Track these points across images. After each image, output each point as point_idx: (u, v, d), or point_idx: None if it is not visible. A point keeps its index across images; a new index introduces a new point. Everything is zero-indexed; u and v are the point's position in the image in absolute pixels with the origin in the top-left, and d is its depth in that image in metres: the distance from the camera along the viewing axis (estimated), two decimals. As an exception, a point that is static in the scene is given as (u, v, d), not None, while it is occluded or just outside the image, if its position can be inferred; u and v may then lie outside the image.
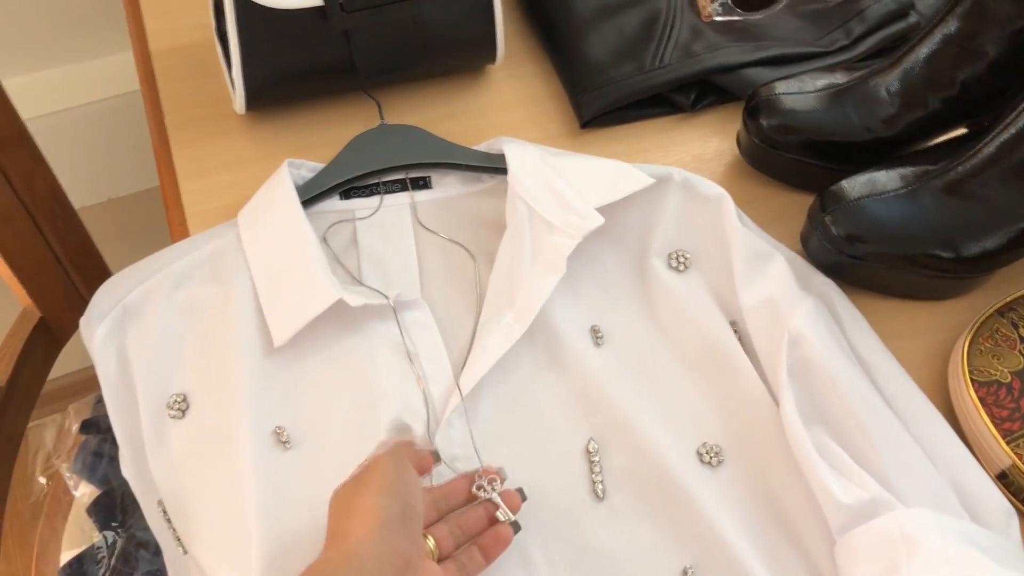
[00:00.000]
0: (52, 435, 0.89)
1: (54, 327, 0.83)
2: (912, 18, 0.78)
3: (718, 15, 0.77)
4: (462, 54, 0.72)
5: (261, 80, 0.67)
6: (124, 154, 1.06)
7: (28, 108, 0.81)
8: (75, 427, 0.85)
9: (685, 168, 0.70)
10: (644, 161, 0.71)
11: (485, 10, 0.69)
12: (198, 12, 0.77)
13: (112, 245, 0.93)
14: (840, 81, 0.68)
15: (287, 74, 0.67)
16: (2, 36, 0.98)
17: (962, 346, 0.59)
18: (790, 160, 0.68)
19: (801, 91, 0.67)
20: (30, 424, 0.83)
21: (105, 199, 1.10)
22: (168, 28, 0.77)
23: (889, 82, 0.65)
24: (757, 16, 0.78)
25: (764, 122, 0.67)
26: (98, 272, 0.87)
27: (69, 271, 0.82)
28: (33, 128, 0.80)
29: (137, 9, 0.80)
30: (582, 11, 0.76)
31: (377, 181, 0.66)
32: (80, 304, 0.86)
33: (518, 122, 0.74)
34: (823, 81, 0.68)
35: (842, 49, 0.77)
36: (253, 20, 0.64)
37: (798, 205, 0.67)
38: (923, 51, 0.64)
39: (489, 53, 0.72)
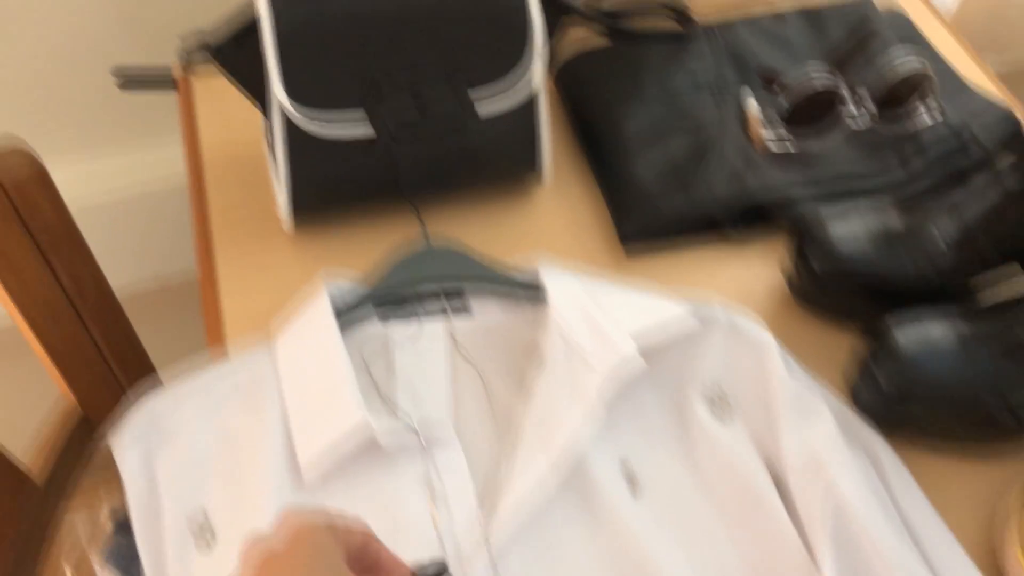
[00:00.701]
0: (84, 525, 0.89)
1: (93, 419, 0.84)
2: (966, 144, 0.77)
3: (772, 144, 0.76)
4: (507, 175, 0.72)
5: (308, 200, 0.68)
6: (168, 241, 1.08)
7: (75, 196, 0.83)
8: (107, 518, 0.86)
9: (731, 299, 0.69)
10: (689, 289, 0.70)
11: (531, 137, 0.69)
12: (252, 125, 0.78)
13: (152, 333, 0.94)
14: (895, 224, 0.66)
15: (334, 194, 0.68)
16: (49, 126, 1.00)
17: (1013, 507, 0.56)
18: (840, 301, 0.66)
19: (854, 232, 0.66)
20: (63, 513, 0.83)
21: (147, 287, 1.12)
22: (221, 138, 0.79)
23: (946, 231, 0.63)
24: (808, 144, 0.77)
25: (815, 263, 0.65)
26: (139, 363, 0.87)
27: (112, 364, 0.83)
28: (80, 215, 0.81)
29: (192, 117, 0.81)
30: (631, 133, 0.75)
31: (417, 303, 0.66)
32: (119, 392, 0.86)
33: (562, 243, 0.73)
34: (876, 221, 0.67)
35: (897, 178, 0.75)
36: (302, 146, 0.64)
37: (846, 340, 0.66)
38: (982, 204, 0.62)
39: (534, 170, 0.71)
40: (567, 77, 0.78)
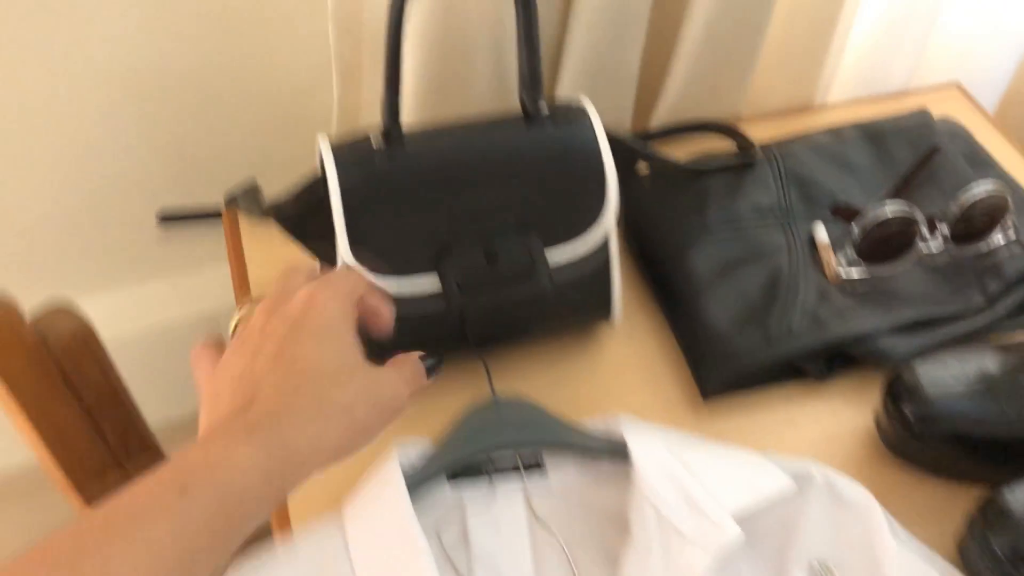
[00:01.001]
0: None
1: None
2: (1051, 272, 0.74)
3: (844, 273, 0.73)
4: (578, 319, 0.69)
5: (370, 357, 0.64)
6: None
7: (115, 330, 0.80)
8: None
9: (818, 448, 0.66)
10: (772, 437, 0.66)
11: (603, 282, 0.66)
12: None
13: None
14: (992, 368, 0.62)
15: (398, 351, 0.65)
16: (89, 260, 0.98)
17: None
18: (937, 452, 0.63)
19: (950, 379, 0.62)
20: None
21: (186, 421, 1.08)
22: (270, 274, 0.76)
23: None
24: (883, 272, 0.74)
25: (908, 411, 0.62)
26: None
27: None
28: (122, 348, 0.78)
29: (239, 250, 0.79)
30: (700, 270, 0.73)
31: (489, 464, 0.62)
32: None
33: (633, 387, 0.70)
34: (972, 366, 0.63)
35: (981, 310, 0.72)
36: None
37: (947, 498, 0.63)
38: None
39: (605, 316, 0.69)
40: (632, 213, 0.75)
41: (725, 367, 0.67)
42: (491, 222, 0.61)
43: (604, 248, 0.65)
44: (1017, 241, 0.75)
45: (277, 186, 0.71)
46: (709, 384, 0.67)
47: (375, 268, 0.60)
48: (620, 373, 0.71)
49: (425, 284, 0.61)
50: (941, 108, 0.92)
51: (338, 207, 0.59)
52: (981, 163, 0.85)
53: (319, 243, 0.64)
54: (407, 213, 0.60)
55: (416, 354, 0.49)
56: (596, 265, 0.65)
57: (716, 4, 0.77)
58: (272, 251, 0.77)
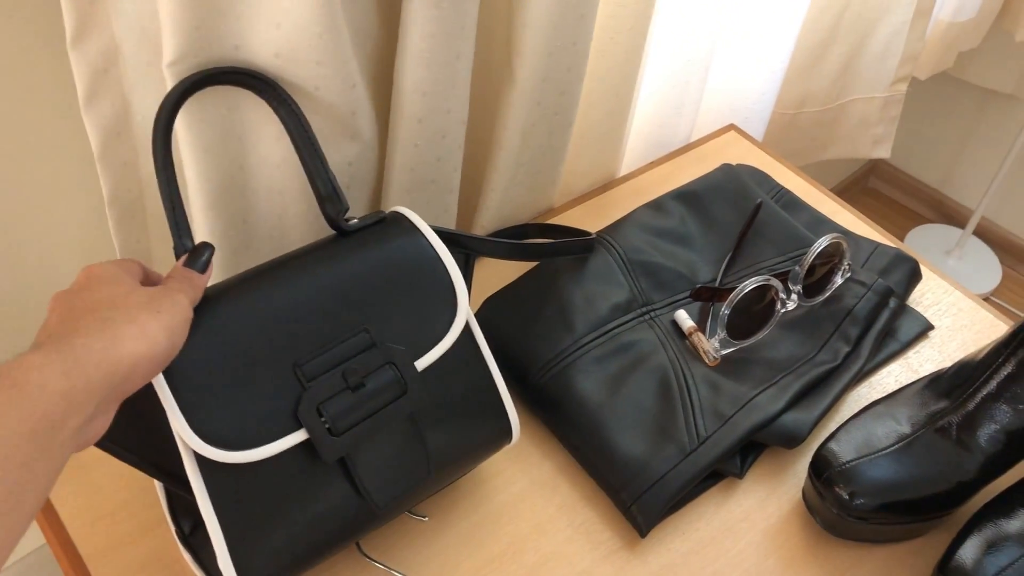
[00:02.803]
0: None
1: None
2: (893, 303, 0.77)
3: (718, 353, 0.72)
4: (473, 442, 0.60)
5: (257, 566, 0.52)
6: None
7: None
8: None
9: (761, 549, 0.64)
10: (717, 553, 0.64)
11: (481, 372, 0.60)
12: (140, 526, 0.62)
13: None
14: (905, 429, 0.63)
15: (287, 546, 0.53)
16: None
17: None
18: (875, 524, 0.62)
19: (872, 451, 0.63)
20: None
21: None
22: (108, 549, 0.62)
23: (961, 431, 0.62)
24: (753, 342, 0.74)
25: (843, 493, 0.61)
26: None
27: None
28: None
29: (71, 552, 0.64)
30: (591, 394, 0.68)
31: None
32: None
33: (566, 544, 0.64)
34: (884, 430, 0.64)
35: (850, 356, 0.73)
36: (228, 489, 0.50)
37: (894, 565, 0.63)
38: (1002, 406, 0.61)
39: (504, 429, 0.61)
40: (496, 341, 0.68)
41: (657, 498, 0.63)
42: (341, 349, 0.53)
43: (469, 338, 0.59)
44: (853, 279, 0.78)
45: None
46: (645, 520, 0.63)
47: (230, 444, 0.49)
48: (547, 532, 0.64)
49: (294, 438, 0.52)
50: (725, 149, 0.95)
51: (165, 392, 0.48)
52: (790, 204, 0.88)
53: (147, 449, 0.52)
54: (245, 371, 0.51)
55: (182, 260, 0.52)
56: (468, 362, 0.59)
57: (529, 110, 0.73)
58: (85, 493, 0.64)
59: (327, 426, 0.52)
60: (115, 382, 0.42)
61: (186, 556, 0.56)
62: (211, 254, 0.53)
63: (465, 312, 0.58)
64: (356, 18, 0.61)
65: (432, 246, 0.59)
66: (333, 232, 0.59)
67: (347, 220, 0.59)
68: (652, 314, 0.76)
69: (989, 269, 2.08)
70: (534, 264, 0.79)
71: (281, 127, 0.60)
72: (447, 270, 0.59)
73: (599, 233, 0.82)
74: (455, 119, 0.69)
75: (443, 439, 0.58)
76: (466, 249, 0.67)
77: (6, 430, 0.36)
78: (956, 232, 2.11)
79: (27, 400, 0.38)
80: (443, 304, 0.58)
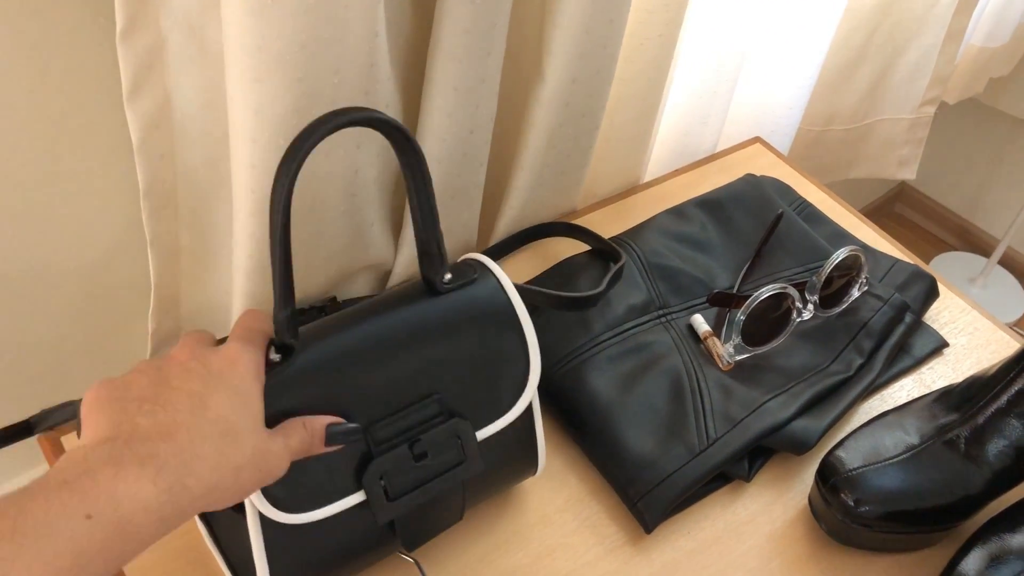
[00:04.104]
0: None
1: None
2: (909, 318, 0.78)
3: (732, 358, 0.73)
4: (504, 482, 0.63)
5: None
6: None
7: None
8: None
9: (764, 552, 0.65)
10: (720, 554, 0.64)
11: (529, 437, 0.61)
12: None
13: None
14: (914, 440, 0.64)
15: (321, 570, 0.55)
16: None
17: None
18: (880, 532, 0.63)
19: (879, 460, 0.63)
20: None
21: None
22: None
23: (970, 444, 0.62)
24: (767, 349, 0.74)
25: (849, 499, 0.62)
26: None
27: None
28: None
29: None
30: (603, 391, 0.69)
31: None
32: None
33: (571, 535, 0.65)
34: (892, 440, 0.64)
35: (863, 367, 0.74)
36: (283, 545, 0.52)
37: (895, 572, 0.64)
38: (1011, 421, 0.61)
39: (530, 470, 0.63)
40: None
41: (663, 496, 0.64)
42: (413, 416, 0.54)
43: (528, 410, 0.60)
44: (870, 292, 0.78)
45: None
46: (650, 517, 0.64)
47: (293, 507, 0.51)
48: (554, 523, 0.65)
49: (351, 500, 0.53)
50: (749, 161, 0.96)
51: None
52: (811, 217, 0.89)
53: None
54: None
55: (314, 421, 0.49)
56: (522, 429, 0.60)
57: (557, 110, 0.75)
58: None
59: (384, 488, 0.53)
60: (191, 516, 0.43)
61: (213, 551, 0.58)
62: (356, 436, 0.51)
63: (532, 392, 0.59)
64: (389, 9, 0.62)
65: (518, 316, 0.58)
66: (422, 282, 0.58)
67: (445, 282, 0.57)
68: (668, 317, 0.77)
69: (1013, 299, 2.06)
70: (556, 263, 0.81)
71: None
72: (527, 345, 0.58)
73: (620, 236, 0.83)
74: (484, 115, 0.70)
75: (480, 492, 0.60)
76: (537, 304, 0.69)
77: (89, 559, 0.37)
78: (981, 260, 2.10)
79: (123, 534, 0.38)
80: (514, 379, 0.58)
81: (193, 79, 0.61)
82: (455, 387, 0.55)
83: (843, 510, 0.62)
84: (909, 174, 1.25)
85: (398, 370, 0.54)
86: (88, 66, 0.62)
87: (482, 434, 0.56)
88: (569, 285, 0.77)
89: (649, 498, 0.64)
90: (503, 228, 0.84)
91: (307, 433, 0.49)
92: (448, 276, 0.57)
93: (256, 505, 0.50)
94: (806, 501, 0.67)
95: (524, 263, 0.82)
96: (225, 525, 0.55)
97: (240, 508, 0.51)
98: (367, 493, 0.52)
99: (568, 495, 0.67)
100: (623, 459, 0.66)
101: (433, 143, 0.70)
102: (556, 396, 0.70)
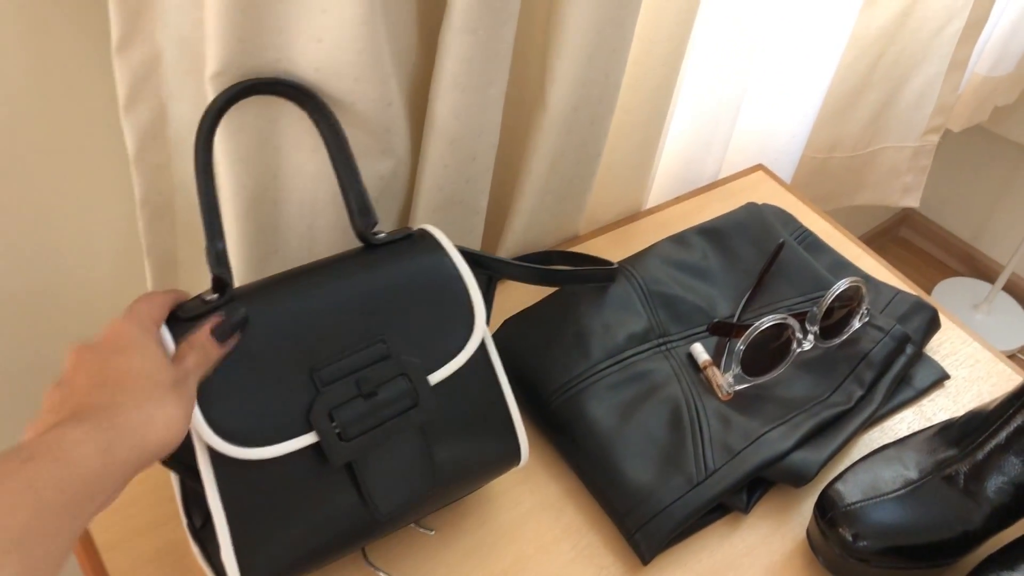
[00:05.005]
0: None
1: None
2: (910, 349, 0.77)
3: (732, 388, 0.73)
4: (479, 449, 0.61)
5: (260, 564, 0.54)
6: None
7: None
8: None
9: (762, 584, 0.64)
10: (717, 586, 0.64)
11: (494, 393, 0.61)
12: (153, 520, 0.64)
13: None
14: (913, 474, 0.64)
15: (290, 547, 0.54)
16: None
17: None
18: (877, 568, 0.62)
19: (877, 494, 0.63)
20: None
21: None
22: (121, 540, 0.64)
23: (969, 480, 0.62)
24: (767, 379, 0.74)
25: (847, 534, 0.61)
26: None
27: None
28: None
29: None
30: (602, 419, 0.69)
31: None
32: None
33: (569, 565, 0.64)
34: (892, 474, 0.64)
35: (863, 399, 0.74)
36: (237, 485, 0.52)
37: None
38: (1011, 458, 0.61)
39: (513, 451, 0.62)
40: (511, 361, 0.68)
41: (660, 527, 0.64)
42: (359, 359, 0.55)
43: (484, 356, 0.60)
44: (871, 323, 0.78)
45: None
46: (648, 548, 0.64)
47: (242, 440, 0.51)
48: (550, 552, 0.65)
49: (303, 440, 0.53)
50: (752, 189, 0.96)
51: None
52: (813, 246, 0.89)
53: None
54: (262, 371, 0.52)
55: (194, 335, 0.51)
56: (482, 380, 0.60)
57: (559, 138, 0.75)
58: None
59: (337, 431, 0.54)
60: (141, 464, 0.44)
61: (195, 549, 0.58)
62: (243, 323, 0.53)
63: (481, 331, 0.60)
64: (397, 38, 0.63)
65: (455, 265, 0.60)
66: (361, 244, 0.61)
67: (375, 234, 0.61)
68: (668, 345, 0.77)
69: (1017, 325, 2.06)
70: (555, 289, 0.81)
71: (318, 139, 0.62)
72: (467, 289, 0.60)
73: (621, 263, 0.83)
74: (486, 142, 0.71)
75: (451, 453, 0.59)
76: (489, 271, 0.68)
77: (43, 502, 0.38)
78: (985, 287, 2.09)
79: (67, 475, 0.39)
80: (461, 322, 0.59)
81: (189, 91, 0.62)
82: (399, 332, 0.57)
83: (841, 544, 0.62)
84: (913, 202, 1.25)
85: (339, 316, 0.56)
86: (86, 79, 0.63)
87: (434, 378, 0.57)
88: (566, 311, 0.77)
89: (647, 529, 0.64)
90: (505, 253, 0.84)
91: (195, 347, 0.51)
92: (381, 233, 0.60)
93: (205, 439, 0.50)
94: (804, 534, 0.67)
95: (521, 289, 0.82)
96: (194, 494, 0.56)
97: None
98: (316, 430, 0.53)
99: (566, 524, 0.67)
100: (621, 489, 0.66)
101: (435, 169, 0.70)
102: (554, 424, 0.70)
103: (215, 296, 0.54)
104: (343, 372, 0.55)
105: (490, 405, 0.61)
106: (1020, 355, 2.03)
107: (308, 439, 0.53)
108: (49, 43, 0.60)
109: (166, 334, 0.51)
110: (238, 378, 0.52)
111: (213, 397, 0.51)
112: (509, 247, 0.83)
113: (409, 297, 0.58)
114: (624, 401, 0.71)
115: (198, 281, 0.73)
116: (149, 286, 0.72)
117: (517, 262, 0.72)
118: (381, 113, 0.63)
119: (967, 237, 2.16)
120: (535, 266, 0.73)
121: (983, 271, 2.14)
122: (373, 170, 0.68)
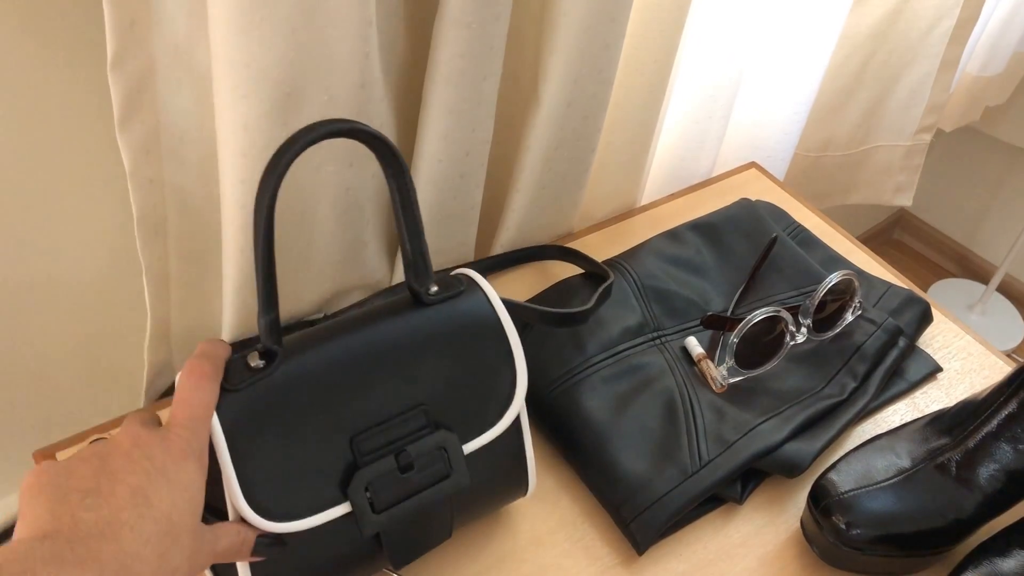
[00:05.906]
0: None
1: None
2: (902, 342, 0.78)
3: (725, 381, 0.73)
4: (494, 502, 0.63)
5: None
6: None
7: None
8: None
9: (755, 572, 0.64)
10: (713, 573, 0.64)
11: (518, 454, 0.61)
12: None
13: None
14: (905, 463, 0.64)
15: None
16: None
17: None
18: (872, 556, 0.63)
19: (871, 483, 0.63)
20: None
21: None
22: None
23: (961, 468, 0.62)
24: (761, 372, 0.75)
25: (840, 522, 0.62)
26: None
27: None
28: None
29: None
30: (597, 412, 0.69)
31: None
32: None
33: (564, 557, 0.65)
34: (884, 463, 0.64)
35: (856, 391, 0.74)
36: (268, 559, 0.52)
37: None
38: (1002, 445, 0.61)
39: (520, 489, 0.63)
40: None
41: (655, 517, 0.64)
42: (399, 428, 0.54)
43: (516, 425, 0.60)
44: (864, 316, 0.79)
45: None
46: (642, 539, 0.64)
47: (279, 516, 0.51)
48: (546, 544, 0.65)
49: (336, 511, 0.53)
50: (745, 186, 0.97)
51: (224, 453, 0.50)
52: (805, 241, 0.89)
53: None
54: (304, 439, 0.52)
55: (248, 531, 0.49)
56: (511, 444, 0.60)
57: (553, 133, 0.75)
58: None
59: (370, 500, 0.53)
60: None
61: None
62: (276, 552, 0.51)
63: (520, 404, 0.58)
64: (382, 31, 0.63)
65: (504, 331, 0.58)
66: (408, 294, 0.59)
67: (428, 291, 0.58)
68: (662, 339, 0.77)
69: (1011, 326, 2.07)
70: (550, 285, 0.81)
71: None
72: (513, 359, 0.58)
73: (616, 258, 0.83)
74: (479, 138, 0.71)
75: (468, 509, 0.60)
76: (528, 320, 0.68)
77: None
78: (979, 288, 2.10)
79: None
80: (501, 393, 0.58)
81: (182, 101, 0.62)
82: (441, 399, 0.56)
83: (835, 533, 0.62)
84: (905, 200, 1.25)
85: (383, 381, 0.54)
86: (82, 93, 0.63)
87: (469, 448, 0.56)
88: (563, 305, 0.78)
89: (641, 519, 0.64)
90: (499, 249, 0.84)
91: (239, 540, 0.49)
92: (435, 288, 0.57)
93: (242, 513, 0.50)
94: (798, 524, 0.67)
95: (518, 283, 0.83)
96: None
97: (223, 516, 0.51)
98: (352, 504, 0.52)
99: (561, 516, 0.67)
100: (616, 480, 0.66)
101: (429, 165, 0.70)
102: (549, 417, 0.71)
103: (261, 363, 0.52)
104: (382, 443, 0.53)
105: (513, 459, 0.61)
106: (1016, 356, 2.04)
107: (342, 509, 0.53)
108: (47, 59, 0.60)
109: (217, 427, 0.49)
110: (277, 451, 0.51)
111: (254, 473, 0.50)
112: (504, 243, 0.83)
113: (453, 359, 0.57)
114: (619, 394, 0.71)
115: (190, 297, 0.73)
116: (148, 304, 0.71)
117: (552, 310, 0.70)
118: (361, 104, 0.63)
119: (961, 238, 2.17)
120: (564, 311, 0.71)
121: (977, 272, 2.15)
122: (367, 170, 0.69)
